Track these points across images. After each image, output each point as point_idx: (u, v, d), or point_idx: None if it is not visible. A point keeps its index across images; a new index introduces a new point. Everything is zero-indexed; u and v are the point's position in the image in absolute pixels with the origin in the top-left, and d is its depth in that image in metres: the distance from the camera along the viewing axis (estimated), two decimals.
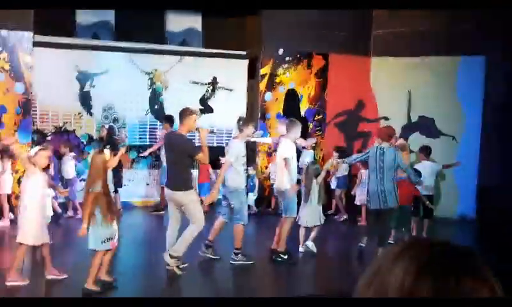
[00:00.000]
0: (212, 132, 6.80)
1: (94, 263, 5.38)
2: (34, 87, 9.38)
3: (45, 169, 5.85)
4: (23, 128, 9.17)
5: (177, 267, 6.15)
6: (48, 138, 9.82)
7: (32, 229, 5.61)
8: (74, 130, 10.22)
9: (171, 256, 6.13)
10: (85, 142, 10.26)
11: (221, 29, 11.25)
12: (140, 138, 10.69)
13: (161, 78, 10.77)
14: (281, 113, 10.74)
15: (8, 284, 5.53)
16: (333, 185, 10.09)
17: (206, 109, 11.13)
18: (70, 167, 9.22)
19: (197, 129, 6.39)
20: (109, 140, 9.41)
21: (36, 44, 9.27)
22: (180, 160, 6.17)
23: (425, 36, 10.49)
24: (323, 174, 7.33)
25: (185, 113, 6.24)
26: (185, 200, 6.16)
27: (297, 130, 7.08)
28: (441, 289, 0.82)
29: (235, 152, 6.67)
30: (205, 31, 11.50)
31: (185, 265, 6.29)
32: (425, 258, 0.86)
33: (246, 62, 11.23)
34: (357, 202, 9.51)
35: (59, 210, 8.76)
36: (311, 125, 11.06)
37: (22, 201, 5.74)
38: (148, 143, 10.56)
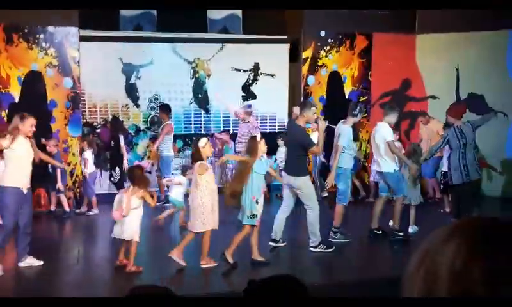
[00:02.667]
0: (329, 126, 7.26)
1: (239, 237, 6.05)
2: (82, 82, 9.63)
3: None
4: (73, 122, 9.46)
5: (326, 248, 6.68)
6: (98, 130, 10.09)
7: (213, 216, 5.95)
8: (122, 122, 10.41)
9: (315, 247, 6.65)
10: (133, 134, 10.46)
11: (261, 14, 11.14)
12: (185, 127, 10.80)
13: (204, 66, 10.82)
14: (324, 96, 10.63)
15: (204, 266, 6.01)
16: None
17: (249, 95, 11.12)
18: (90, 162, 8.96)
19: (315, 121, 6.82)
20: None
21: (82, 38, 9.48)
22: (297, 149, 6.61)
23: (471, 11, 10.06)
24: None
25: (306, 106, 6.70)
26: (302, 185, 6.58)
27: (395, 115, 7.32)
28: (493, 269, 0.79)
29: (347, 136, 7.03)
30: (244, 17, 11.43)
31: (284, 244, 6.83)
32: (476, 237, 0.83)
33: (287, 46, 11.09)
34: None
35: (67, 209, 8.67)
36: None
37: (196, 192, 5.87)
38: (193, 132, 10.64)
